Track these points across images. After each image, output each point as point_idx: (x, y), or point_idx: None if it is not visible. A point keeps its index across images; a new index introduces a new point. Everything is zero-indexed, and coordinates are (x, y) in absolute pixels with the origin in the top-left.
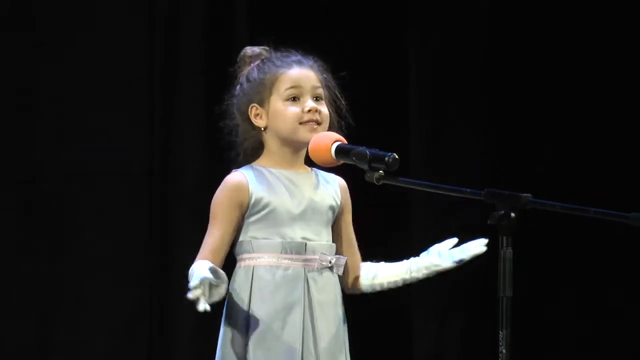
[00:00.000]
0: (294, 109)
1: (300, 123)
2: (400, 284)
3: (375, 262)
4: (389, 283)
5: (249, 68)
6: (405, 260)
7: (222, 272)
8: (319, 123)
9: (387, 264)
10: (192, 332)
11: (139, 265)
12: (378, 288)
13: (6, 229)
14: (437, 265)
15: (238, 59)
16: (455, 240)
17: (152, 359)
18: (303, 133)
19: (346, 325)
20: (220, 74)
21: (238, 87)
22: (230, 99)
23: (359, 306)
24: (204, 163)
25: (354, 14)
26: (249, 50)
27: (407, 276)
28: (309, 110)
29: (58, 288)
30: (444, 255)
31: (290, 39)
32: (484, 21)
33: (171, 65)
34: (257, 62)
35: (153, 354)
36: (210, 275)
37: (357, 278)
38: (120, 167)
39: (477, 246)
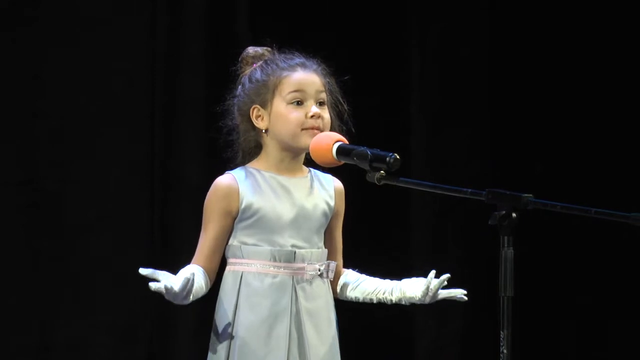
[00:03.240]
0: (297, 114)
1: (303, 129)
2: (373, 301)
3: (358, 271)
4: (363, 299)
5: (252, 69)
6: (387, 280)
7: (190, 287)
8: (320, 130)
9: (367, 278)
10: (192, 333)
11: (139, 265)
12: (352, 299)
13: (6, 229)
14: (412, 299)
15: (240, 59)
16: (446, 276)
17: (152, 359)
18: (304, 139)
19: (337, 328)
20: (221, 74)
21: (240, 87)
22: (231, 99)
23: (360, 306)
24: (204, 163)
25: (355, 14)
26: (252, 50)
27: (380, 296)
28: (312, 116)
29: (58, 288)
30: (424, 292)
31: (290, 38)
32: (485, 21)
33: (172, 65)
34: (260, 62)
35: (153, 354)
36: (175, 289)
37: (335, 284)
38: (121, 167)
39: (460, 295)
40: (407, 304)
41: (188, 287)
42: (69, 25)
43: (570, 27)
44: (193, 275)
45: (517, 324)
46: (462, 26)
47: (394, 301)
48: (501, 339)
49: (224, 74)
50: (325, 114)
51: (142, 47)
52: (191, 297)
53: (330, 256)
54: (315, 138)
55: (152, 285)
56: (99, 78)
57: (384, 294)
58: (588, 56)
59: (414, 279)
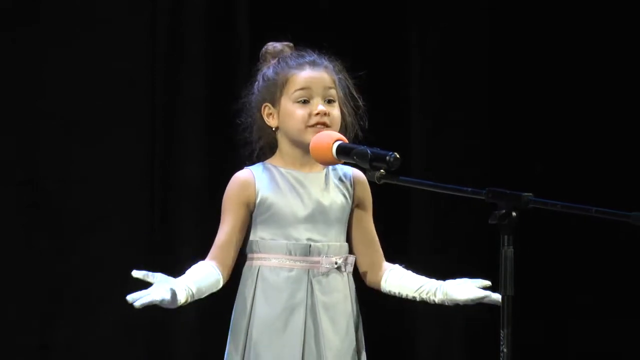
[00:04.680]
0: (302, 112)
1: (308, 126)
2: (416, 299)
3: (403, 266)
4: (405, 295)
5: (267, 66)
6: (431, 280)
7: (177, 296)
8: (327, 126)
9: (411, 275)
10: (192, 333)
11: (139, 265)
12: (393, 294)
13: (6, 229)
14: (455, 300)
15: (260, 55)
16: (488, 283)
17: (152, 358)
18: (310, 136)
19: (360, 321)
20: (222, 74)
21: (255, 84)
22: (248, 96)
23: (360, 305)
24: (204, 163)
25: (355, 13)
26: (271, 46)
27: (424, 295)
28: (317, 113)
29: (58, 288)
30: (467, 291)
31: (291, 39)
32: (485, 21)
33: (172, 65)
34: (274, 61)
35: (153, 354)
36: (165, 297)
37: (376, 277)
38: (122, 167)
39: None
40: (451, 304)
41: (173, 300)
42: (69, 25)
43: (570, 27)
44: (190, 290)
45: (517, 323)
46: (462, 26)
47: (436, 302)
48: (501, 338)
49: (224, 74)
50: (333, 110)
51: (142, 47)
52: (181, 299)
53: (366, 248)
54: (315, 137)
55: (138, 303)
56: (99, 78)
57: (427, 293)
58: (588, 56)
59: (458, 280)
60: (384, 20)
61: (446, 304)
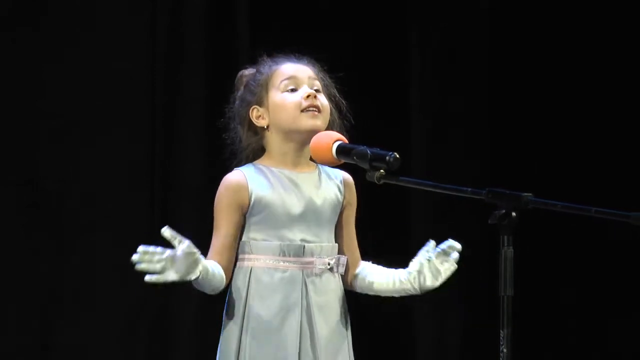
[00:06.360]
0: (293, 98)
1: (302, 111)
2: (392, 293)
3: (375, 263)
4: (379, 289)
5: (247, 79)
6: (401, 269)
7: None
8: (319, 110)
9: (383, 268)
10: (192, 332)
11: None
12: (370, 292)
13: (6, 229)
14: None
15: (235, 81)
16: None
17: (152, 358)
18: (305, 120)
19: (349, 322)
20: (222, 74)
21: (237, 101)
22: (231, 112)
23: (361, 304)
24: (204, 163)
25: (355, 13)
26: (246, 71)
27: (397, 285)
28: (308, 96)
29: (58, 288)
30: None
31: (291, 39)
32: (484, 20)
33: (172, 65)
34: (254, 72)
35: (153, 353)
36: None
37: (353, 277)
38: (122, 167)
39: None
40: (420, 291)
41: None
42: (69, 25)
43: (569, 27)
44: (205, 268)
45: (517, 323)
46: (462, 26)
47: (408, 289)
48: (501, 338)
49: (224, 74)
50: (322, 98)
51: (142, 47)
52: (199, 270)
53: (346, 249)
54: (315, 137)
55: (148, 278)
56: (99, 78)
57: (403, 277)
58: (588, 56)
59: (423, 262)
60: (384, 20)
61: (413, 288)
